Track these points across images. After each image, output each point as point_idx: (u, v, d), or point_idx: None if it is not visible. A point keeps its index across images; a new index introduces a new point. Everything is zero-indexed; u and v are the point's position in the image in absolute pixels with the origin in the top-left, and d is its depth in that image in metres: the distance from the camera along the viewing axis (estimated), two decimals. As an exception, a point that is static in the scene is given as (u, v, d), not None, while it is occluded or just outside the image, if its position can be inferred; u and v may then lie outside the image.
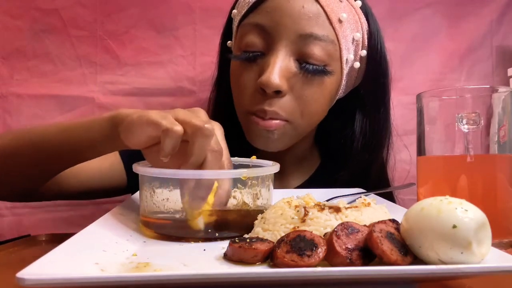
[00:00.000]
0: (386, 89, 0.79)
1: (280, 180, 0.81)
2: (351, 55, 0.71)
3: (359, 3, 0.73)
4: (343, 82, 0.73)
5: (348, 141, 0.79)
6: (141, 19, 1.06)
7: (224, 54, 0.82)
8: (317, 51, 0.66)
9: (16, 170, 0.64)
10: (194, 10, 1.07)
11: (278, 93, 0.66)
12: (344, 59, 0.70)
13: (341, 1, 0.69)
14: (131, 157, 0.73)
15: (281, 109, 0.67)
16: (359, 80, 0.78)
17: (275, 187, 0.56)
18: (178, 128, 0.45)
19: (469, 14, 1.13)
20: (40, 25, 1.04)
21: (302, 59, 0.67)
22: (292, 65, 0.67)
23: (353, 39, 0.71)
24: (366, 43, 0.74)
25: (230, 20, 0.80)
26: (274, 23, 0.67)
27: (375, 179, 0.81)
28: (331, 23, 0.67)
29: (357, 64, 0.73)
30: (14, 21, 1.03)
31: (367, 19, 0.74)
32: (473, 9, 1.13)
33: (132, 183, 0.79)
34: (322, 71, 0.68)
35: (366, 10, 0.74)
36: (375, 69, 0.76)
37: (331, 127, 0.84)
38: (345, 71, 0.72)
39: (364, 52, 0.74)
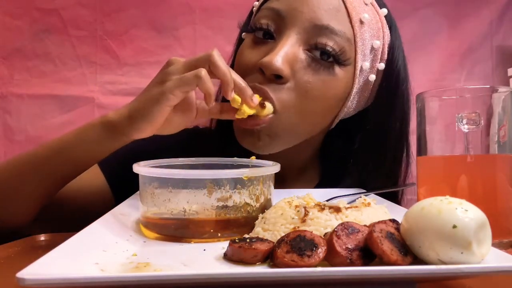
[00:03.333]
0: (394, 113, 0.71)
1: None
2: (367, 63, 0.66)
3: (385, 11, 0.69)
4: (354, 92, 0.67)
5: (348, 160, 0.74)
6: (141, 19, 1.07)
7: (237, 47, 0.77)
8: (330, 43, 0.62)
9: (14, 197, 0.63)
10: (194, 10, 1.07)
11: (278, 78, 0.61)
12: (358, 65, 0.65)
13: (366, 4, 0.66)
14: (116, 175, 0.74)
15: (274, 93, 0.61)
16: (371, 99, 0.72)
17: None
18: (201, 71, 0.51)
19: (469, 14, 1.13)
20: (40, 25, 1.04)
21: (312, 49, 0.63)
22: (301, 54, 0.63)
23: (372, 47, 0.66)
24: (385, 56, 0.68)
25: (250, 14, 0.77)
26: (291, 9, 0.63)
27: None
28: (350, 22, 0.64)
29: (372, 77, 0.67)
30: (14, 21, 1.03)
31: (390, 32, 0.69)
32: (473, 9, 1.13)
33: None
34: (336, 60, 0.63)
35: (391, 22, 0.70)
36: (387, 87, 0.69)
37: (335, 144, 0.79)
38: (358, 80, 0.67)
39: (382, 66, 0.68)
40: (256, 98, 0.58)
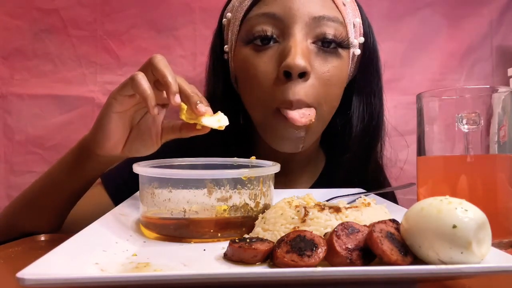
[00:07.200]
0: (379, 75, 0.79)
1: (287, 184, 0.80)
2: (355, 40, 0.72)
3: None
4: (349, 69, 0.74)
5: (348, 128, 0.78)
6: (141, 19, 1.06)
7: (216, 61, 0.79)
8: (331, 31, 0.68)
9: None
10: (194, 10, 1.07)
11: (302, 75, 0.65)
12: (350, 42, 0.71)
13: None
14: (120, 191, 0.74)
15: (306, 95, 0.65)
16: (356, 70, 0.78)
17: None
18: (137, 73, 0.50)
19: (469, 14, 1.13)
20: (40, 25, 1.04)
21: (317, 40, 0.68)
22: (310, 46, 0.67)
23: (354, 24, 0.72)
24: (362, 31, 0.75)
25: (220, 29, 0.78)
26: (286, 9, 0.67)
27: (373, 171, 0.80)
28: (337, 6, 0.70)
29: (357, 51, 0.73)
30: (14, 21, 1.03)
31: (359, 9, 0.76)
32: (473, 9, 1.13)
33: None
34: (339, 45, 0.69)
35: (358, 3, 0.77)
36: (369, 56, 0.77)
37: (332, 123, 0.82)
38: (350, 57, 0.73)
39: (362, 39, 0.74)
40: (203, 106, 0.52)
